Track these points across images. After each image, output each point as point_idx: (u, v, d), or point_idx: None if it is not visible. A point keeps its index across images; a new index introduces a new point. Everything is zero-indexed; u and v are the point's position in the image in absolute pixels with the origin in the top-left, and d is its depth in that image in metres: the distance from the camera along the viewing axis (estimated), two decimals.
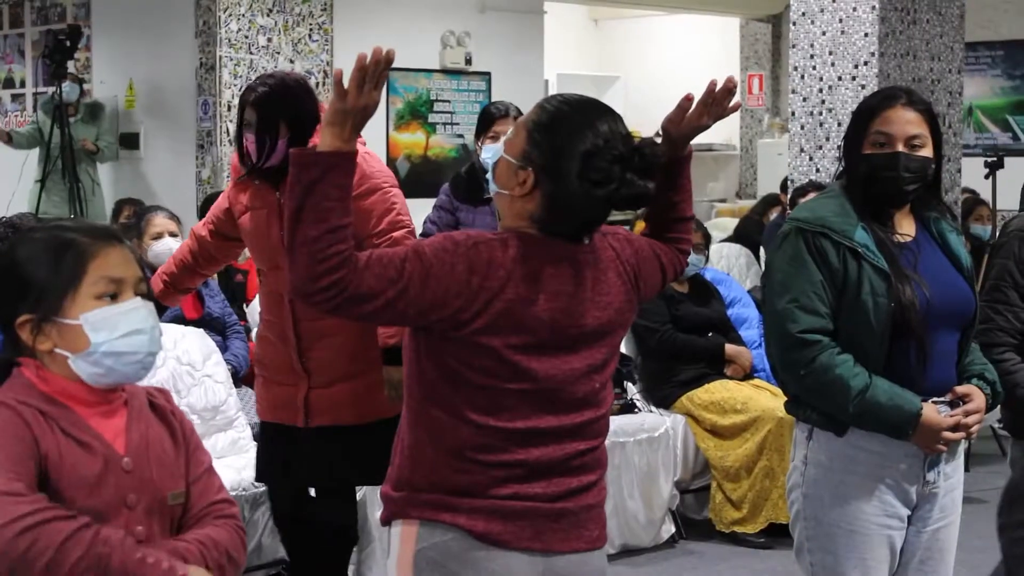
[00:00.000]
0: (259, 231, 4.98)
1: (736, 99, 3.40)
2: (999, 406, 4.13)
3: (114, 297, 2.66)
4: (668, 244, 3.45)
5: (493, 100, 6.62)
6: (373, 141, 12.30)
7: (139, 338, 2.67)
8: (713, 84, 3.34)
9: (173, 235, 7.04)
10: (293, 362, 4.93)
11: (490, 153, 6.11)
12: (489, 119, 6.39)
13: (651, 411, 7.06)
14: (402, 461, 3.15)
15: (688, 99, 3.34)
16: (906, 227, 3.84)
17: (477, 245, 3.01)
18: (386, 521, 3.20)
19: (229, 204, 5.10)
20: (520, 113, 6.33)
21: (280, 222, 4.74)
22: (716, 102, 3.36)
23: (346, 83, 2.84)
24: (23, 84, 12.97)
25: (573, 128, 3.07)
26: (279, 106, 4.93)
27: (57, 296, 2.63)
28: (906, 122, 3.78)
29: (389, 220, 5.01)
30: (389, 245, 4.71)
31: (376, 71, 2.83)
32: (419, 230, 6.95)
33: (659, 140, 3.27)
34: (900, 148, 3.75)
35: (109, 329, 2.63)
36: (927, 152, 3.79)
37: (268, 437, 5.14)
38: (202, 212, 8.64)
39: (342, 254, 2.81)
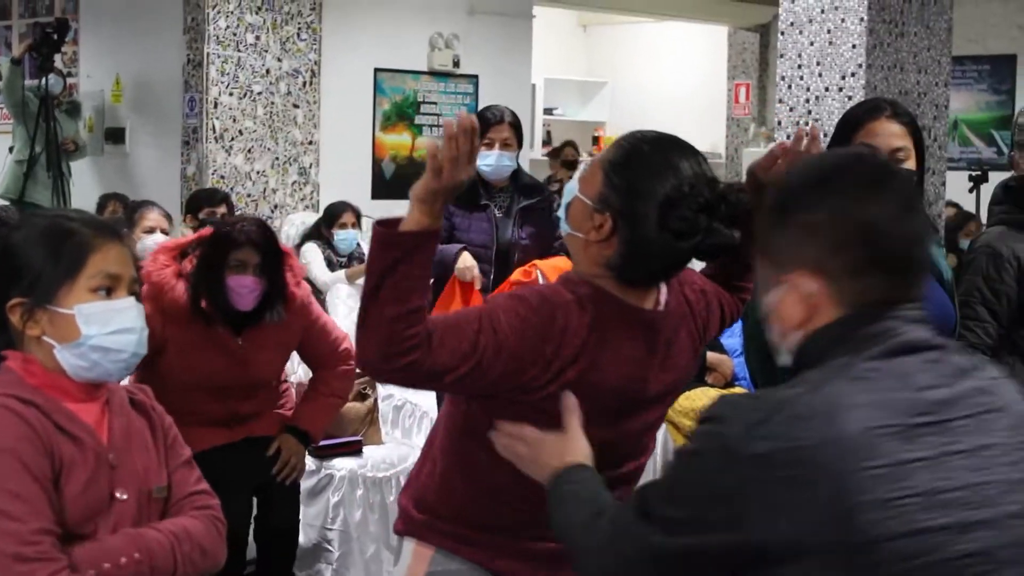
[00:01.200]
0: (210, 377, 5.08)
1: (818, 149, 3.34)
2: None
3: (109, 292, 2.66)
4: (732, 293, 3.31)
5: (489, 104, 6.44)
6: (359, 142, 12.35)
7: (128, 337, 2.68)
8: (801, 132, 3.28)
9: (164, 232, 7.06)
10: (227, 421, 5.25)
11: (489, 160, 6.02)
12: (484, 125, 6.05)
13: None
14: (429, 482, 3.07)
15: (782, 147, 3.29)
16: None
17: (554, 312, 2.85)
18: (400, 533, 3.14)
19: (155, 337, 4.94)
20: (515, 118, 6.27)
21: (243, 369, 5.10)
22: (806, 150, 3.32)
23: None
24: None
25: (652, 169, 2.86)
26: (276, 248, 5.17)
27: (53, 284, 2.63)
28: (890, 134, 3.78)
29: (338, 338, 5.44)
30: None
31: (468, 143, 2.68)
32: None
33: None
34: None
35: (101, 323, 2.64)
36: (910, 164, 3.78)
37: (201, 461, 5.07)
38: (187, 209, 8.64)
39: (419, 336, 2.68)
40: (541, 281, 5.90)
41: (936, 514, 1.95)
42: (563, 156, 13.60)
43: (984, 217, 10.12)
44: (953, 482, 1.99)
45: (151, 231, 7.09)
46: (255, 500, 5.40)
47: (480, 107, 12.43)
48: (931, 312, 3.73)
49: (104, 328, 2.64)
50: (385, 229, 2.69)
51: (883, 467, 1.94)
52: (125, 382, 2.98)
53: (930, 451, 1.99)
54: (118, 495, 2.67)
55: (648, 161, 2.87)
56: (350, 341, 5.42)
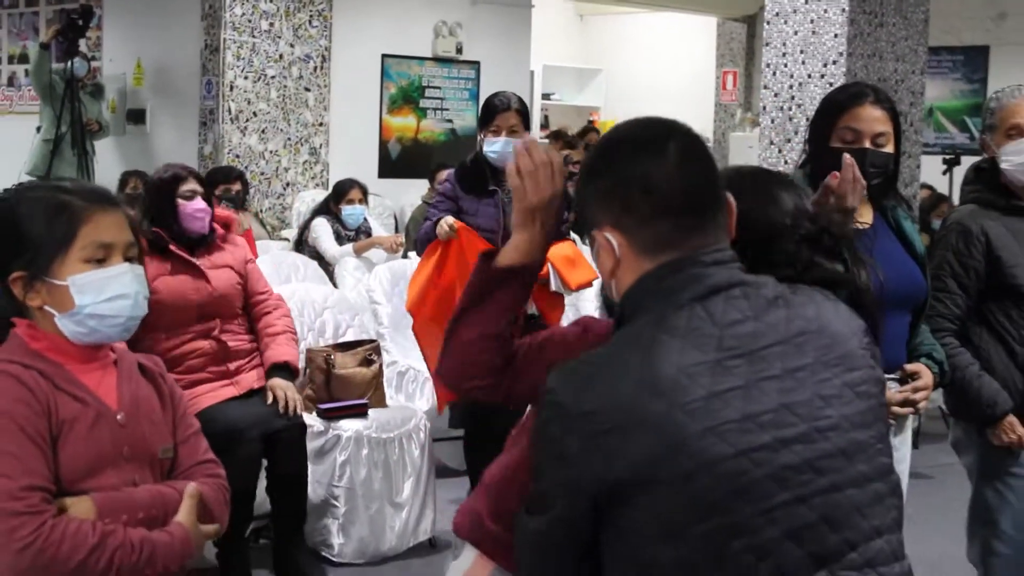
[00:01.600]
0: (183, 294, 5.37)
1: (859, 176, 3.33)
2: (942, 388, 4.15)
3: (102, 261, 2.64)
4: None
5: (496, 91, 6.13)
6: (367, 123, 12.33)
7: (122, 303, 2.65)
8: (847, 160, 3.22)
9: None
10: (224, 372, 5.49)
11: (495, 147, 5.85)
12: (491, 112, 5.91)
13: None
14: (511, 490, 2.76)
15: (834, 176, 3.22)
16: (864, 215, 3.84)
17: None
18: (464, 537, 2.91)
19: None
20: (523, 105, 5.98)
21: (207, 284, 5.44)
22: (856, 179, 3.26)
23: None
24: None
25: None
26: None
27: (48, 256, 2.61)
28: (873, 120, 3.77)
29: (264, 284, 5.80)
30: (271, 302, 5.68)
31: (541, 155, 2.54)
32: (407, 214, 6.79)
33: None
34: (867, 144, 3.74)
35: (95, 292, 2.62)
36: (890, 148, 3.78)
37: (213, 415, 5.22)
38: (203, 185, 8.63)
39: (491, 363, 2.60)
40: (552, 273, 5.79)
41: (753, 435, 2.07)
42: (587, 140, 13.63)
43: (956, 199, 10.13)
44: (765, 405, 2.10)
45: None
46: (265, 460, 5.46)
47: (482, 92, 12.44)
48: (903, 283, 3.78)
49: (98, 296, 2.62)
50: (483, 263, 2.59)
51: (699, 400, 2.05)
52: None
53: (741, 380, 2.10)
54: (126, 452, 2.66)
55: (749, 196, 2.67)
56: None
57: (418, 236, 6.09)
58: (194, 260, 5.45)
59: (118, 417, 2.66)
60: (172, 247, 5.43)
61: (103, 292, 2.62)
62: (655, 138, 2.29)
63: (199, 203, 5.51)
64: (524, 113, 5.96)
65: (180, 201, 5.48)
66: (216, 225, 5.66)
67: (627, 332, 2.19)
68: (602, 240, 2.26)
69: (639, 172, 2.23)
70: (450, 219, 5.82)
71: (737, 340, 2.14)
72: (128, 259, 2.68)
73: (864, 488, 2.16)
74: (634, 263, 2.24)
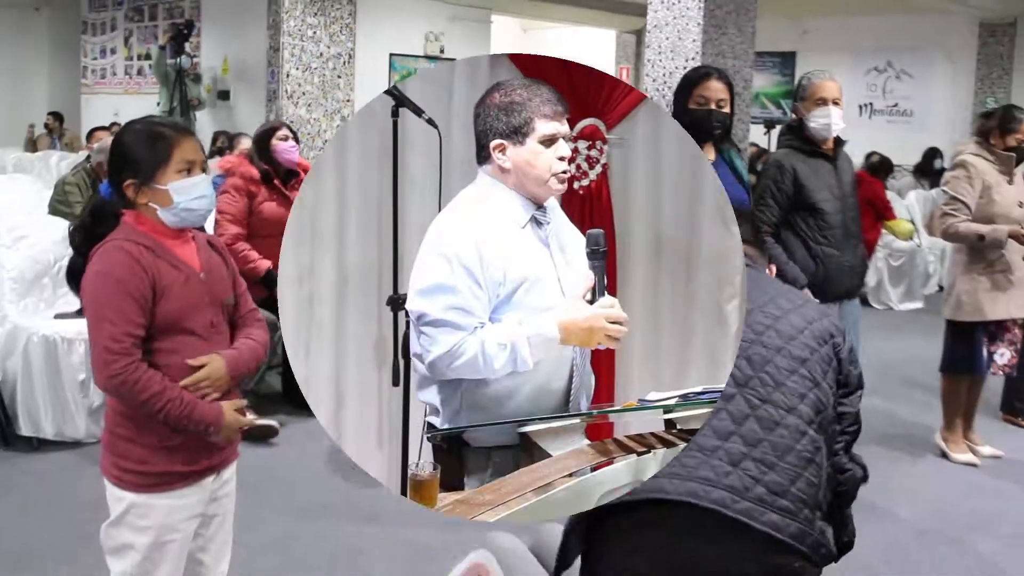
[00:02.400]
0: (279, 214, 5.42)
1: None
2: None
3: (189, 172, 2.57)
4: None
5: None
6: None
7: (203, 200, 2.59)
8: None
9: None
10: None
11: None
12: None
13: None
14: None
15: None
16: (709, 154, 3.80)
17: None
18: None
19: (246, 202, 5.44)
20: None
21: (289, 207, 5.41)
22: None
23: None
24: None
25: None
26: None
27: (152, 169, 2.55)
28: (717, 90, 3.75)
29: None
30: None
31: None
32: None
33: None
34: (712, 107, 3.72)
35: (186, 193, 2.56)
36: (728, 110, 3.76)
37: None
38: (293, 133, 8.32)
39: None
40: None
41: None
42: None
43: (774, 149, 10.12)
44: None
45: (285, 139, 6.90)
46: None
47: None
48: (732, 199, 3.74)
49: (188, 196, 2.55)
50: None
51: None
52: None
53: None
54: (207, 300, 2.61)
55: None
56: None
57: None
58: (287, 192, 5.55)
59: (200, 276, 2.61)
60: (276, 181, 5.53)
61: (191, 193, 2.56)
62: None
63: (290, 143, 5.59)
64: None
65: (275, 142, 5.57)
66: (300, 169, 5.73)
67: None
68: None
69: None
70: None
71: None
72: (203, 170, 2.63)
73: (790, 363, 2.06)
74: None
